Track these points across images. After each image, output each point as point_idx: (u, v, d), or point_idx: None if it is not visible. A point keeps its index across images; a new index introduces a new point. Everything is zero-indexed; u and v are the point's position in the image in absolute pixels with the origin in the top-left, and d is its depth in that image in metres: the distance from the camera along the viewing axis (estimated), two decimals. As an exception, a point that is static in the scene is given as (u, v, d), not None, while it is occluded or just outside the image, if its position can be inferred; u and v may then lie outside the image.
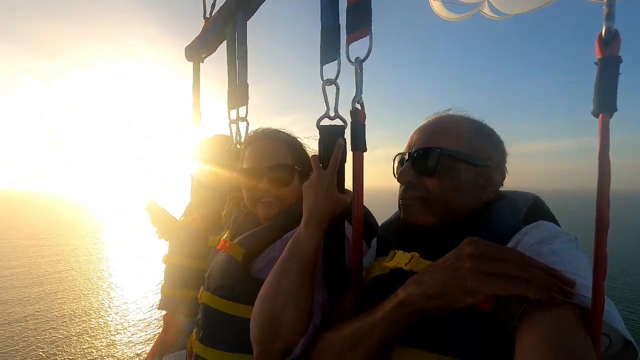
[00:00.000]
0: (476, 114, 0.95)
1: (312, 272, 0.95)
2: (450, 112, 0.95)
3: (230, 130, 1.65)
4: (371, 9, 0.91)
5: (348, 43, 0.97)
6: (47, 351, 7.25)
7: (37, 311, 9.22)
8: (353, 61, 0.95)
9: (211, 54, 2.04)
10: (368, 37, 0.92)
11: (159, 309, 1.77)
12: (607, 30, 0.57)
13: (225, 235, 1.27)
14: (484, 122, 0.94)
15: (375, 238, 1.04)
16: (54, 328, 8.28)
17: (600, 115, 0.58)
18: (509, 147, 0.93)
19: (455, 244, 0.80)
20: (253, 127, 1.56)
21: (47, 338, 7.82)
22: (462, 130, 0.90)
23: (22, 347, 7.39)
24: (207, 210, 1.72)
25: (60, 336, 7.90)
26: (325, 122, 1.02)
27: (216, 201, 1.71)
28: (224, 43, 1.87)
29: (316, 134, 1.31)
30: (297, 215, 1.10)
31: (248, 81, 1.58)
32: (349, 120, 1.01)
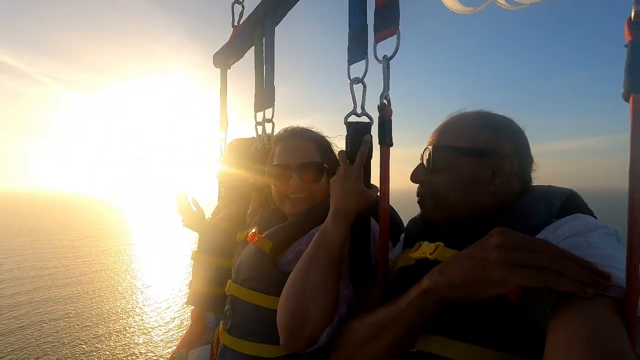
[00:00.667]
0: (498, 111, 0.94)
1: (338, 264, 0.97)
2: (463, 110, 0.96)
3: (257, 131, 1.71)
4: (399, 8, 0.95)
5: (376, 42, 1.00)
6: (90, 346, 7.64)
7: (77, 309, 9.68)
8: (380, 59, 0.99)
9: (238, 60, 2.12)
10: (396, 35, 0.95)
11: (186, 303, 1.83)
12: (637, 13, 0.57)
13: (253, 230, 1.31)
14: (490, 112, 0.93)
15: (403, 234, 1.05)
16: (95, 324, 8.71)
17: (631, 98, 0.57)
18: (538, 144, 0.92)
19: (482, 236, 0.81)
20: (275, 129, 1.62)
21: (89, 334, 8.17)
22: (463, 124, 0.91)
23: (68, 342, 7.79)
24: (233, 210, 1.78)
25: (101, 332, 8.24)
26: (352, 118, 1.06)
27: (241, 201, 1.76)
28: (251, 49, 1.96)
29: (339, 133, 1.34)
30: (324, 211, 1.12)
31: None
32: (375, 117, 1.05)
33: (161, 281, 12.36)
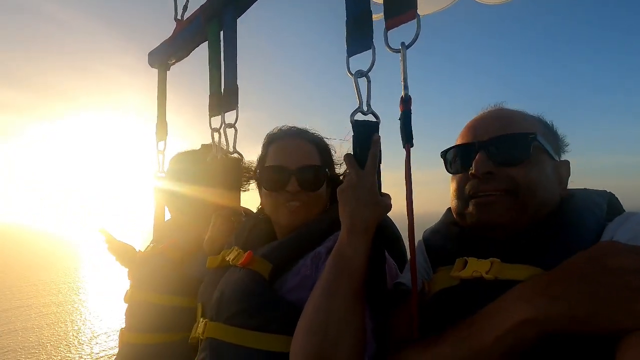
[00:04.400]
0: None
1: (363, 292, 0.79)
2: (501, 105, 0.88)
3: (213, 138, 1.44)
4: (416, -11, 0.83)
5: (388, 29, 0.87)
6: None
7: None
8: (394, 48, 0.85)
9: (182, 59, 1.83)
10: (415, 20, 0.82)
11: None
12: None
13: (234, 251, 1.05)
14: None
15: (423, 247, 0.90)
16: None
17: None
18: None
19: (539, 246, 0.70)
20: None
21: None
22: (532, 121, 0.84)
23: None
24: (185, 236, 1.45)
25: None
26: (358, 117, 0.91)
27: (194, 225, 1.45)
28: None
29: (334, 136, 1.18)
30: (328, 225, 0.95)
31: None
32: (381, 115, 0.91)
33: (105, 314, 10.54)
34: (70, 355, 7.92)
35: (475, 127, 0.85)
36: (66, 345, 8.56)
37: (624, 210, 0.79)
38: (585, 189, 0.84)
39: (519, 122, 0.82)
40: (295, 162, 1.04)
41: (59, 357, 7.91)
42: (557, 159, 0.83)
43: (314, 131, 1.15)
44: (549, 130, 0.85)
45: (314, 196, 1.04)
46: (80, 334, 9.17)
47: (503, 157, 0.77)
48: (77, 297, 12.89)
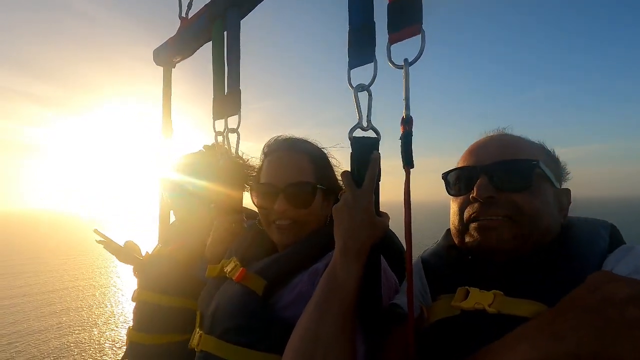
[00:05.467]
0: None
1: (354, 314, 0.78)
2: (505, 130, 0.87)
3: (216, 142, 1.43)
4: (422, 2, 0.79)
5: (391, 43, 0.84)
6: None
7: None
8: (397, 64, 0.82)
9: (187, 57, 1.81)
10: (420, 35, 0.79)
11: (123, 359, 1.43)
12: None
13: (232, 262, 1.05)
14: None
15: (421, 269, 0.89)
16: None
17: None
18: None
19: (542, 279, 0.68)
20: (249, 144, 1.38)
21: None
22: (535, 148, 0.82)
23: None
24: (193, 238, 1.45)
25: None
26: (357, 133, 0.88)
27: (202, 228, 1.45)
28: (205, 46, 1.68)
29: (337, 143, 1.14)
30: (328, 240, 0.92)
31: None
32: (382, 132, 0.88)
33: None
34: (123, 332, 8.46)
35: (478, 150, 0.83)
36: (114, 323, 9.37)
37: (624, 242, 0.77)
38: (586, 218, 0.82)
39: (522, 149, 0.80)
40: (285, 179, 1.01)
41: (111, 334, 8.62)
42: (559, 186, 0.81)
43: (311, 141, 1.11)
44: (551, 158, 0.84)
45: (305, 213, 1.01)
46: (126, 313, 9.99)
47: (505, 182, 0.76)
48: (118, 280, 13.68)
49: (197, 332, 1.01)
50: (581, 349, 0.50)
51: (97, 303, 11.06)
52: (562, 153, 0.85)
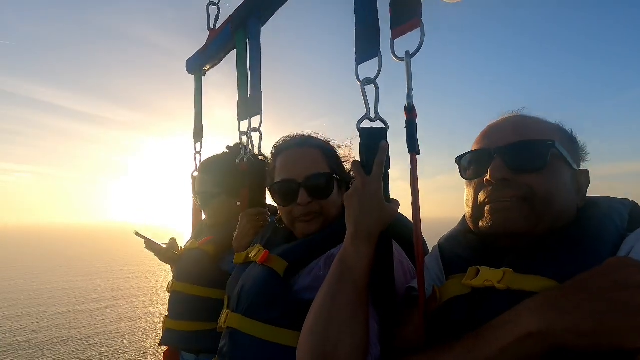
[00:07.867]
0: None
1: (367, 295, 0.82)
2: (519, 112, 0.85)
3: (241, 141, 1.54)
4: (421, -2, 0.84)
5: (394, 38, 0.89)
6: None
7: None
8: (399, 56, 0.87)
9: (216, 65, 1.95)
10: (420, 29, 0.84)
11: (160, 344, 1.56)
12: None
13: (256, 249, 1.13)
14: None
15: (438, 255, 0.91)
16: None
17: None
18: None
19: (554, 257, 0.69)
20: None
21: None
22: (551, 128, 0.80)
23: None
24: (222, 233, 1.56)
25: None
26: (366, 124, 0.94)
27: (229, 223, 1.56)
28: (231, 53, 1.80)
29: (345, 138, 1.20)
30: (343, 227, 0.97)
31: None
32: (389, 122, 0.93)
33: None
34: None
35: (492, 132, 0.82)
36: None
37: None
38: (606, 196, 0.80)
39: (537, 129, 0.78)
40: (303, 173, 1.06)
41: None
42: (576, 167, 0.79)
43: (319, 136, 1.17)
44: (569, 138, 0.81)
45: (326, 203, 1.06)
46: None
47: (519, 164, 0.74)
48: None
49: (225, 311, 1.09)
50: (583, 326, 0.51)
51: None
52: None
